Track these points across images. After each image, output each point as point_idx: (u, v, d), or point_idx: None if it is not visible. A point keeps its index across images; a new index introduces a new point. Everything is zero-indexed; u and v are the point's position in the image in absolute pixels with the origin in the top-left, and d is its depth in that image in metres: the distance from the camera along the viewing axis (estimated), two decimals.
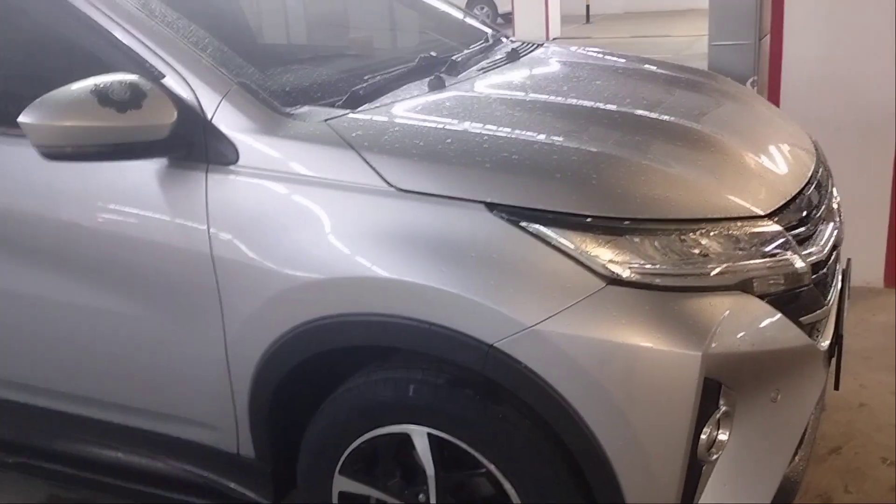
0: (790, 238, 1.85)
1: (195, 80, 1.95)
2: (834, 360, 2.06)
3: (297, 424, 2.07)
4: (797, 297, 1.85)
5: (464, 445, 1.85)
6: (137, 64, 1.96)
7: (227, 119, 1.94)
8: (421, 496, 1.96)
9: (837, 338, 2.03)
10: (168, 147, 1.92)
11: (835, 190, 2.37)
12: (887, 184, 4.00)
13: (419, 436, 1.89)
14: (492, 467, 1.85)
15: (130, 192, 2.02)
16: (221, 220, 1.93)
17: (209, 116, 1.94)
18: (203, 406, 2.15)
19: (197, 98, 1.94)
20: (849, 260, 2.35)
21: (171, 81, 1.95)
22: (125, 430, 2.30)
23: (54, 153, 1.86)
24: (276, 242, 1.90)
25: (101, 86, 1.83)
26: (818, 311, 1.91)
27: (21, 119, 1.83)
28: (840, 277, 2.19)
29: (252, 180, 1.92)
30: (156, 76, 1.95)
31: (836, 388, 2.12)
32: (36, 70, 2.27)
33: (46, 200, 2.12)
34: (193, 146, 1.94)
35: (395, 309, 1.81)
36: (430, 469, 1.91)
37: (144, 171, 1.99)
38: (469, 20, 3.32)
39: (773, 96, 4.04)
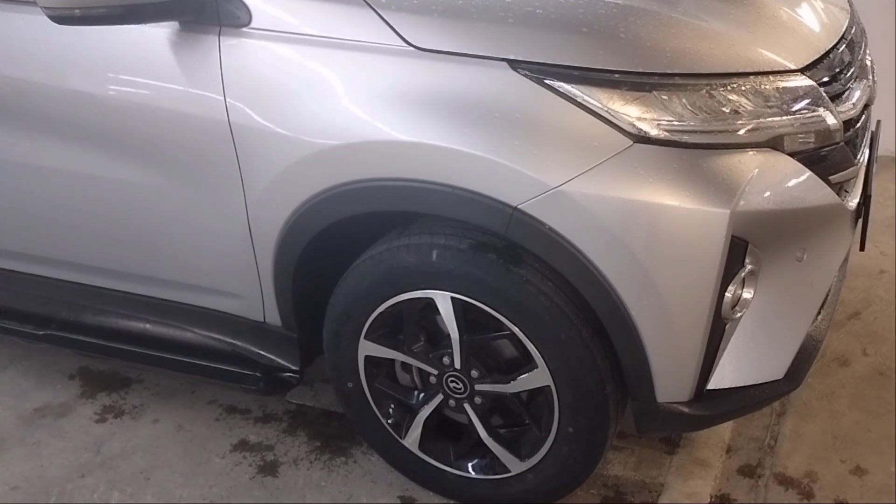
0: (823, 93, 1.79)
1: None
2: (860, 222, 2.04)
3: (321, 292, 2.08)
4: (827, 156, 1.81)
5: (488, 309, 1.86)
6: None
7: None
8: (445, 359, 1.99)
9: (865, 198, 2.00)
10: (178, 9, 1.85)
11: (868, 49, 2.28)
12: None
13: (443, 300, 1.90)
14: (516, 330, 1.86)
15: (143, 59, 1.97)
16: (237, 86, 1.89)
17: None
18: (227, 276, 2.16)
19: None
20: (878, 121, 2.29)
21: None
22: (152, 302, 2.33)
23: (63, 16, 1.80)
24: (292, 108, 1.86)
25: None
26: (848, 170, 1.87)
27: None
28: (870, 137, 2.14)
29: (266, 43, 1.86)
30: None
31: (862, 248, 2.10)
32: None
33: (59, 71, 2.07)
34: (204, 8, 1.87)
35: (416, 173, 1.79)
36: (454, 333, 1.93)
37: (156, 37, 1.94)
38: None
39: None
